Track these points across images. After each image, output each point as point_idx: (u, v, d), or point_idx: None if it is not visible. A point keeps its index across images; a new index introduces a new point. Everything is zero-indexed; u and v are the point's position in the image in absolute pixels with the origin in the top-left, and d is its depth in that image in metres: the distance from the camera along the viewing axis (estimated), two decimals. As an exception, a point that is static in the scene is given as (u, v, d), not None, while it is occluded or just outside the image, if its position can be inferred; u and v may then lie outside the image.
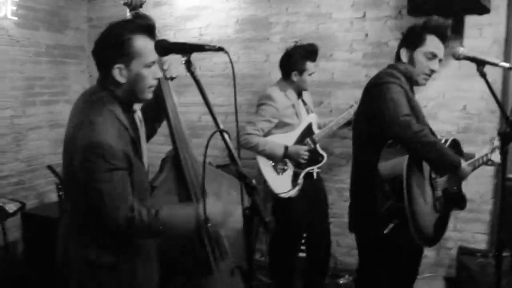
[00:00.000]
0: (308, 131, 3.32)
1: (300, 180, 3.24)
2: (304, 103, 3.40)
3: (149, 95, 1.80)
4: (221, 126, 1.55)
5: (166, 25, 4.43)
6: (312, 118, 3.37)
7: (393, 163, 2.13)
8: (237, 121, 1.59)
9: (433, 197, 2.27)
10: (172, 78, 2.07)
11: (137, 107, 1.90)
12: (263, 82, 4.08)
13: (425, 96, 3.48)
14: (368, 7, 3.78)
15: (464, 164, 2.21)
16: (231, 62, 1.56)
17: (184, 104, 3.80)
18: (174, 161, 2.06)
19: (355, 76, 3.81)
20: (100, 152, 1.61)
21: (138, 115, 1.91)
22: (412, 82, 2.37)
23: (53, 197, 4.30)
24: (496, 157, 2.52)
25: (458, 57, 2.16)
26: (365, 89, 2.40)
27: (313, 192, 3.35)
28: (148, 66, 1.74)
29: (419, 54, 2.29)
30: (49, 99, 4.41)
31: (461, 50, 2.14)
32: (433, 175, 2.29)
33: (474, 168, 2.42)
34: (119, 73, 1.71)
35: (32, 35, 4.17)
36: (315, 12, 3.95)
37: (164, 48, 1.62)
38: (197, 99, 4.10)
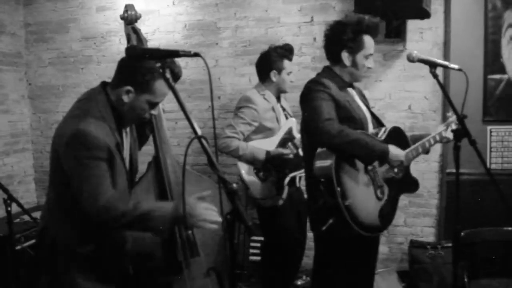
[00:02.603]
0: (289, 136, 3.20)
1: (285, 187, 3.09)
2: (283, 109, 3.32)
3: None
4: (199, 132, 1.53)
5: (110, 31, 4.30)
6: (292, 123, 3.25)
7: (324, 163, 2.23)
8: (214, 127, 1.57)
9: (373, 186, 2.34)
10: None
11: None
12: (212, 87, 4.04)
13: (372, 97, 3.59)
14: (316, 12, 3.88)
15: (394, 150, 2.28)
16: (207, 67, 1.55)
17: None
18: (155, 161, 2.12)
19: (305, 79, 3.76)
20: (83, 140, 1.72)
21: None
22: (352, 80, 2.51)
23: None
24: (451, 134, 2.54)
25: (412, 60, 2.25)
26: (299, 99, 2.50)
27: (298, 200, 3.24)
28: None
29: (360, 57, 2.42)
30: (-15, 110, 4.15)
31: (415, 53, 2.24)
32: (369, 167, 2.33)
33: (425, 149, 2.48)
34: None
35: (-36, 41, 3.92)
36: (263, 16, 3.99)
37: (137, 54, 1.58)
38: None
